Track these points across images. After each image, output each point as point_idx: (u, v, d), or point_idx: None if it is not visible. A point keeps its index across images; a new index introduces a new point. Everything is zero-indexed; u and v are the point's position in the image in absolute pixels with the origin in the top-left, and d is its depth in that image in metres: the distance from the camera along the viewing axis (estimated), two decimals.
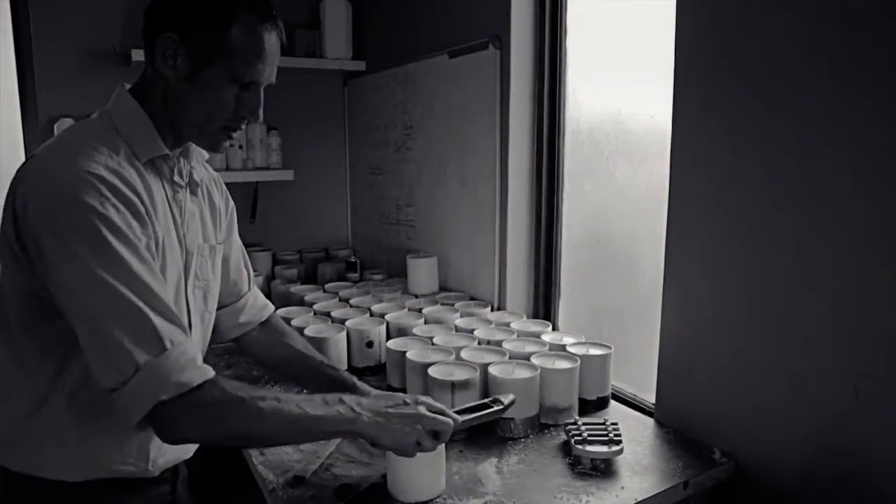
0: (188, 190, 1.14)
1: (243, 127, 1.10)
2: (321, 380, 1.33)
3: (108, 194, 0.92)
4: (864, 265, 1.08)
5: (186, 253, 1.13)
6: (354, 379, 1.33)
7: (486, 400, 1.22)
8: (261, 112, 1.08)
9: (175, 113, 1.05)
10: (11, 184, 0.96)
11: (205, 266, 1.19)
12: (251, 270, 1.42)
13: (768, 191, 1.21)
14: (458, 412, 1.14)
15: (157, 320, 0.90)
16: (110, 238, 0.89)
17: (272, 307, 1.46)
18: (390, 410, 1.04)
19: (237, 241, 1.37)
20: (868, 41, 1.04)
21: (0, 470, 1.05)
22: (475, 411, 1.17)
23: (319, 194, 2.94)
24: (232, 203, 1.34)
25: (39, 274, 0.93)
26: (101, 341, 0.89)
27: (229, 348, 2.00)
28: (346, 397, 1.03)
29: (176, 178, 1.10)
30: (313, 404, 0.99)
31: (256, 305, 1.41)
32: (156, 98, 1.05)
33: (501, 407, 1.20)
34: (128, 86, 1.08)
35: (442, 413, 1.08)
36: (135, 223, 0.94)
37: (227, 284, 1.34)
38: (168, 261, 1.06)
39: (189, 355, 0.92)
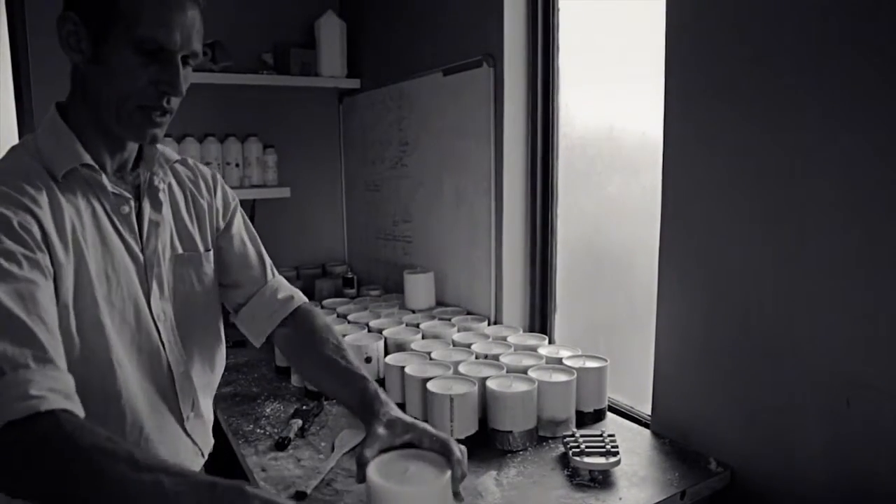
0: (147, 199, 1.06)
1: (167, 105, 0.97)
2: (342, 390, 1.14)
3: None
4: (854, 276, 1.11)
5: (146, 265, 1.05)
6: (377, 388, 1.09)
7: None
8: (180, 83, 0.95)
9: (92, 103, 0.97)
10: None
11: (185, 275, 1.12)
12: (267, 260, 1.28)
13: (759, 202, 1.24)
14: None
15: (4, 346, 0.78)
16: None
17: (298, 300, 1.27)
18: None
19: (240, 235, 1.25)
20: (854, 51, 1.08)
21: None
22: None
23: (316, 211, 2.96)
24: (234, 201, 1.25)
25: None
26: None
27: (227, 364, 2.00)
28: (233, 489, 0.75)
29: (114, 189, 1.01)
30: (179, 484, 0.73)
31: (277, 300, 1.25)
32: (77, 94, 0.98)
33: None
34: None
35: (445, 443, 0.98)
36: (15, 247, 0.85)
37: (243, 280, 1.25)
38: (108, 278, 0.99)
39: (27, 384, 0.76)
